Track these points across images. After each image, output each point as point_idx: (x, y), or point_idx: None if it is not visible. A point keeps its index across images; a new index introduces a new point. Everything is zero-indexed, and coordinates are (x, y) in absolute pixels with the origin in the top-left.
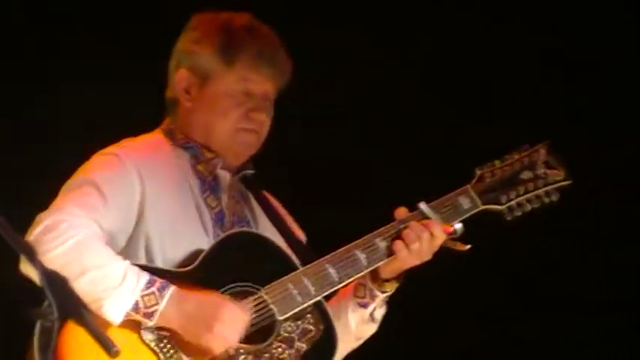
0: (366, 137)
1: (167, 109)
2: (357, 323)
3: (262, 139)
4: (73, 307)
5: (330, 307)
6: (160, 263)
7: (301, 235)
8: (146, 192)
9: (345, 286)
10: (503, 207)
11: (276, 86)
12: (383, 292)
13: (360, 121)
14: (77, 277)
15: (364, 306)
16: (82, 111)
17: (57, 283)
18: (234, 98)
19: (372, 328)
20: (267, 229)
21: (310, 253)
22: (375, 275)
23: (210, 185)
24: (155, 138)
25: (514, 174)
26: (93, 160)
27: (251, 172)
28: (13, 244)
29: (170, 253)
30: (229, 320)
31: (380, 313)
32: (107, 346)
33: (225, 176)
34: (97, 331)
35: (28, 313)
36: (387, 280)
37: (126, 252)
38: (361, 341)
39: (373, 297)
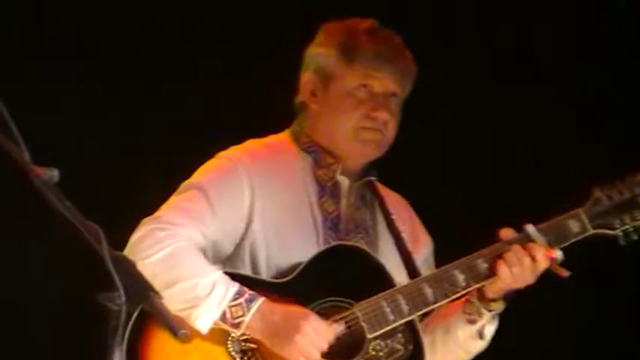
0: (476, 153)
1: (296, 113)
2: (465, 339)
3: (388, 139)
4: (140, 291)
5: (438, 321)
6: (264, 270)
7: (423, 242)
8: (255, 199)
9: (455, 301)
10: (617, 231)
11: (400, 85)
12: (490, 311)
13: (472, 137)
14: (168, 286)
15: (472, 322)
16: (213, 109)
17: (124, 267)
18: (355, 97)
19: (480, 344)
20: (384, 239)
21: (416, 269)
22: (481, 294)
23: (329, 191)
24: (281, 140)
25: (633, 197)
26: (208, 164)
27: (374, 178)
28: (80, 227)
29: (276, 260)
30: (310, 333)
31: (489, 330)
32: (175, 328)
33: (344, 182)
34: (166, 314)
35: (96, 297)
36: (493, 300)
37: (232, 258)
38: (470, 356)
39: (480, 314)
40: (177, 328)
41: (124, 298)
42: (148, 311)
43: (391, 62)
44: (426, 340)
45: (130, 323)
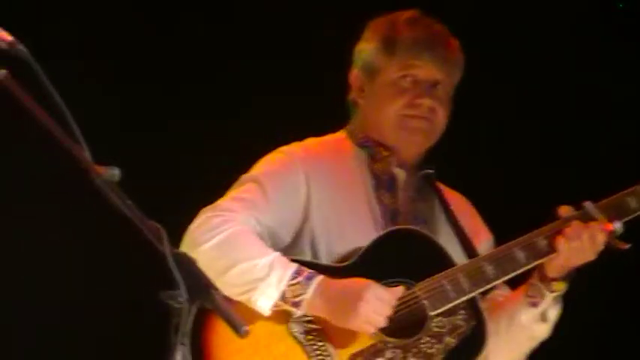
0: (533, 133)
1: (350, 112)
2: (529, 322)
3: (436, 127)
4: (201, 288)
5: (497, 308)
6: (324, 259)
7: (484, 237)
8: (312, 191)
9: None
10: None
11: (443, 73)
12: (551, 292)
13: (528, 118)
14: (226, 270)
15: (535, 305)
16: (277, 110)
17: (185, 265)
18: (398, 87)
19: (544, 328)
20: (444, 231)
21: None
22: (542, 274)
23: (386, 183)
24: (337, 138)
25: None
26: (266, 157)
27: (431, 171)
28: (141, 227)
29: (336, 249)
30: (373, 300)
31: (553, 313)
32: (236, 325)
33: (400, 174)
34: (226, 311)
35: (158, 296)
36: (555, 280)
37: (291, 248)
38: (535, 342)
39: (543, 296)
40: (238, 325)
41: (185, 296)
42: (210, 308)
43: (431, 49)
44: (490, 328)
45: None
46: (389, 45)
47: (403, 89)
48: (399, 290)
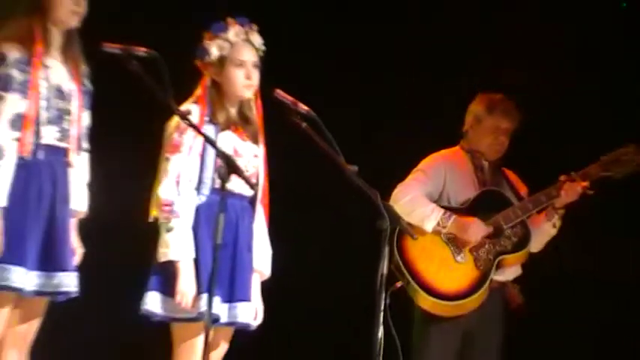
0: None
1: (464, 135)
2: (547, 228)
3: (504, 151)
4: (395, 220)
5: (533, 223)
6: (453, 204)
7: (524, 190)
8: (447, 174)
9: (537, 212)
10: None
11: (513, 127)
12: (557, 214)
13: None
14: (410, 212)
15: (550, 220)
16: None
17: (389, 209)
18: (490, 130)
19: (554, 231)
20: (505, 189)
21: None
22: (553, 206)
23: (480, 169)
24: (455, 149)
25: None
26: (425, 159)
27: (499, 161)
28: (368, 192)
29: (458, 200)
30: (474, 229)
31: (558, 223)
32: (411, 234)
33: (486, 165)
34: (407, 228)
35: (375, 224)
36: (559, 208)
37: (438, 201)
38: (550, 237)
39: (553, 216)
40: (412, 234)
41: (388, 223)
42: (399, 228)
43: (510, 116)
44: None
45: (396, 233)
46: (489, 110)
47: (493, 132)
48: (489, 229)
